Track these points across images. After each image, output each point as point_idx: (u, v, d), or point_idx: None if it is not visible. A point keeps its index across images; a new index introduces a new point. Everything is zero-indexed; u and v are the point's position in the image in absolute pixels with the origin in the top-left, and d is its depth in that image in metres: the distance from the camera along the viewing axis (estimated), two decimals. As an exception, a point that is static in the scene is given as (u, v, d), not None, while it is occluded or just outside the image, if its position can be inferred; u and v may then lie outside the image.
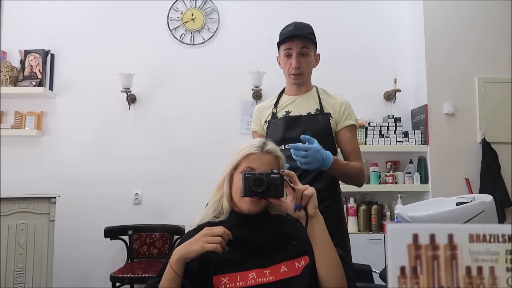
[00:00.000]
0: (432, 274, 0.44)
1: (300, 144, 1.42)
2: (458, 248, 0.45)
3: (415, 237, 0.44)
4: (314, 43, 1.67)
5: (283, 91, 1.77)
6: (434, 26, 3.15)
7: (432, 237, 0.44)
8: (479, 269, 0.45)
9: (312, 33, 1.67)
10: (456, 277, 0.44)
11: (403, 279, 0.44)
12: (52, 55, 3.28)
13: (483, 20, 3.16)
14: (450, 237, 0.44)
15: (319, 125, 1.63)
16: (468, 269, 0.45)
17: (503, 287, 0.45)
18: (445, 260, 0.45)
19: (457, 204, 2.04)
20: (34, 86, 3.17)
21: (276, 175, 1.05)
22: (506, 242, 0.45)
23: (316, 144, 1.41)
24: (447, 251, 0.45)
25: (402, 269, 0.44)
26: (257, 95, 3.23)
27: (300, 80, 1.67)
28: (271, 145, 1.18)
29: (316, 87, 1.74)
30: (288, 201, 1.06)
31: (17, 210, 2.52)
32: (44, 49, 3.24)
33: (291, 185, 1.05)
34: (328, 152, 1.46)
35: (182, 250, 1.01)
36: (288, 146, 1.54)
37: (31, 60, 3.22)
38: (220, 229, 1.01)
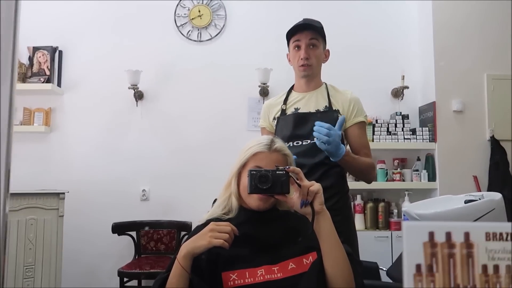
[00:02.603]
0: (448, 272, 0.44)
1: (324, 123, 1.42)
2: (475, 246, 0.45)
3: (431, 234, 0.44)
4: (323, 36, 1.67)
5: (292, 88, 1.77)
6: (443, 23, 3.12)
7: (448, 235, 0.44)
8: (496, 268, 0.45)
9: (321, 28, 1.68)
10: (472, 276, 0.44)
11: (418, 277, 0.44)
12: (60, 52, 3.30)
13: (492, 16, 3.13)
14: (466, 235, 0.44)
15: (328, 122, 1.63)
16: (485, 268, 0.45)
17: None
18: (461, 258, 0.44)
19: (466, 202, 2.02)
20: (43, 82, 3.19)
21: (281, 172, 1.05)
22: (522, 240, 0.45)
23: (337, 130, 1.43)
24: (463, 249, 0.44)
25: (418, 267, 0.44)
26: (264, 92, 3.23)
27: (309, 72, 1.67)
28: (279, 143, 1.18)
29: (325, 83, 1.74)
30: (294, 198, 1.06)
31: (26, 206, 2.55)
32: (52, 46, 3.26)
33: (297, 181, 1.05)
34: (342, 145, 1.47)
35: (189, 246, 1.01)
36: (296, 144, 1.55)
37: (40, 57, 3.24)
38: (227, 225, 1.02)
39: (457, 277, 0.44)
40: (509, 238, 0.45)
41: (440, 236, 0.44)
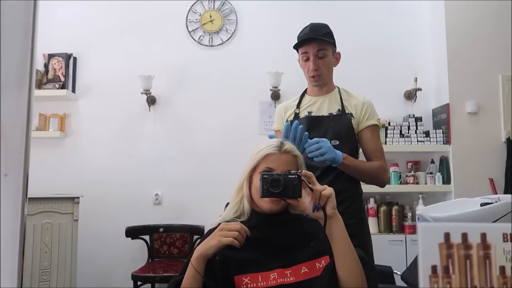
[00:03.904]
0: (464, 273, 0.44)
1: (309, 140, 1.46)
2: (492, 248, 0.44)
3: (447, 235, 0.43)
4: (331, 43, 1.66)
5: (305, 91, 1.77)
6: (456, 23, 3.09)
7: (465, 236, 0.43)
8: (514, 269, 0.44)
9: (329, 33, 1.66)
10: (489, 277, 0.44)
11: (434, 279, 0.43)
12: (75, 59, 3.36)
13: (506, 16, 3.08)
14: (483, 236, 0.44)
15: (341, 125, 1.63)
16: (502, 269, 0.44)
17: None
18: (478, 259, 0.44)
19: (482, 204, 1.99)
20: (58, 88, 3.25)
21: (293, 176, 1.05)
22: (541, 241, 0.44)
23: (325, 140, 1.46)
24: (480, 250, 0.44)
25: (434, 268, 0.43)
26: (276, 96, 3.23)
27: (320, 82, 1.67)
28: (288, 145, 1.18)
29: (338, 87, 1.74)
30: (306, 202, 1.06)
31: (42, 210, 2.59)
32: (66, 53, 3.32)
33: (309, 185, 1.04)
34: (338, 151, 1.49)
35: (202, 248, 1.02)
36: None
37: (55, 64, 3.30)
38: (237, 224, 1.03)
39: (474, 279, 0.43)
40: (527, 239, 0.44)
41: (456, 237, 0.44)
